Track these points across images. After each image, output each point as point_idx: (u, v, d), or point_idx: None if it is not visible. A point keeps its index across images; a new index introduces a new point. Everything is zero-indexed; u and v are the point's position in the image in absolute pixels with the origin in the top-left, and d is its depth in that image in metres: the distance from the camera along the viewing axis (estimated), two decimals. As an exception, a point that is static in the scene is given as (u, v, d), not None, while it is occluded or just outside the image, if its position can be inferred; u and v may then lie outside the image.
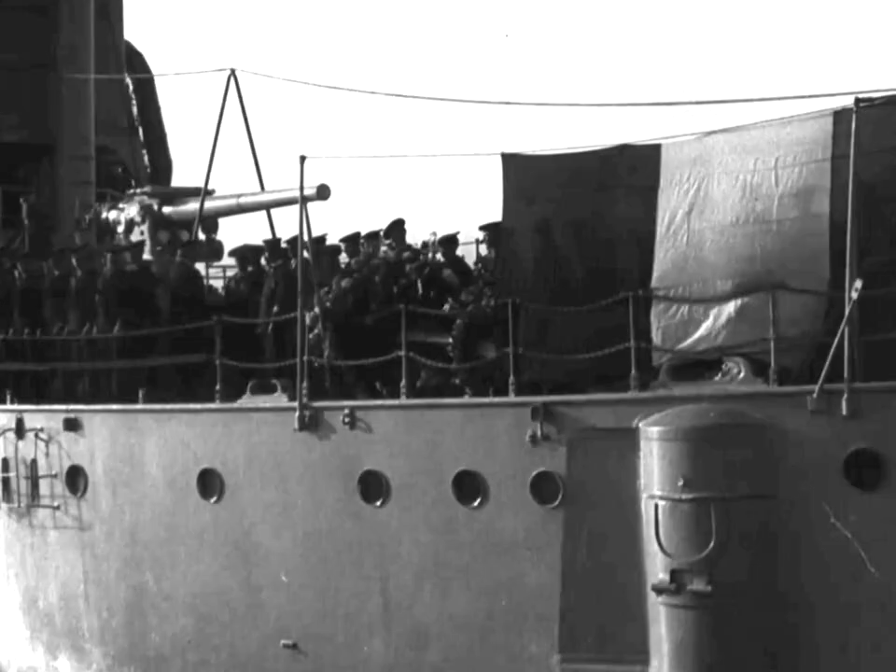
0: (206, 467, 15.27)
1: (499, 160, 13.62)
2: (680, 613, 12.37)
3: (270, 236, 19.53)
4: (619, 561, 12.82)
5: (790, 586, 12.19)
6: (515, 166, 13.61)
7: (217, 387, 15.38)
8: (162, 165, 27.94)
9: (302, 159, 14.63)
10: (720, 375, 12.78)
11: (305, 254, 15.49)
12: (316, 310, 14.61)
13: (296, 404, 14.45)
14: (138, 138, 27.65)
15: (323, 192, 18.16)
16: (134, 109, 28.20)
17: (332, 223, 19.04)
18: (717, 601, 12.20)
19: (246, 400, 15.11)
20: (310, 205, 19.28)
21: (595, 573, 13.01)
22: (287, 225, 20.51)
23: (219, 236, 21.65)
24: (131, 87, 28.47)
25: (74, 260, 18.12)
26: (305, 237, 15.41)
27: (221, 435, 15.18)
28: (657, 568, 12.46)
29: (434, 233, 15.65)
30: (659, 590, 12.42)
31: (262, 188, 20.43)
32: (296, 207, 19.43)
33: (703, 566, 12.21)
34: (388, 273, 15.01)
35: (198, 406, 15.46)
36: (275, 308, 15.61)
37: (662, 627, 12.50)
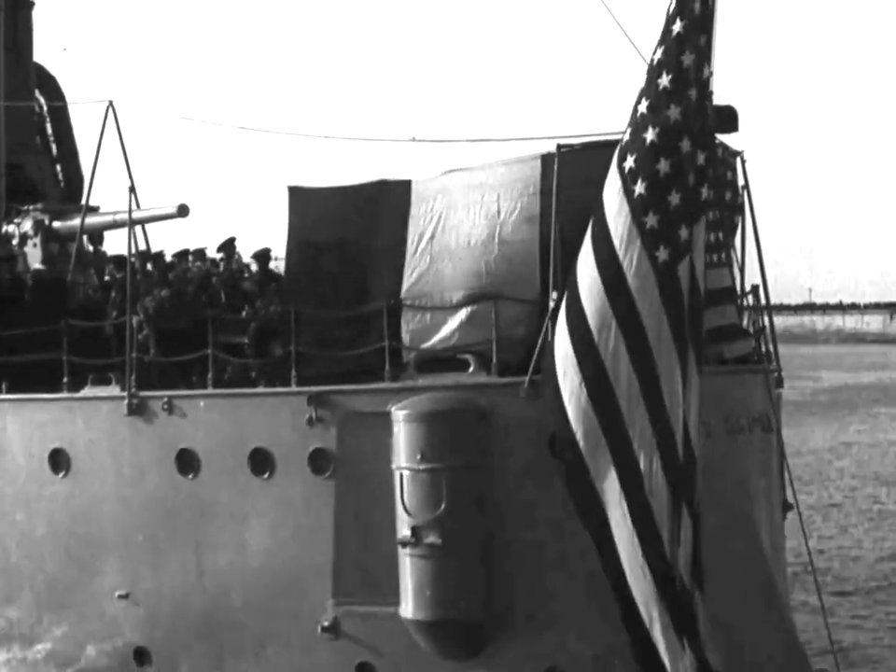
0: (56, 446, 17.43)
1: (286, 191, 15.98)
2: (419, 562, 14.55)
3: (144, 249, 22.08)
4: (378, 520, 14.89)
5: (504, 539, 14.46)
6: (299, 197, 15.91)
7: (65, 379, 17.51)
8: (74, 181, 30.14)
9: (131, 189, 17.18)
10: (472, 369, 15.08)
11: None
12: (141, 314, 16.95)
13: (125, 394, 16.72)
14: (48, 156, 29.94)
15: (183, 211, 20.64)
16: (49, 127, 30.53)
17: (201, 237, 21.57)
18: (446, 551, 14.42)
19: (87, 391, 17.36)
20: (172, 222, 21.97)
21: (360, 531, 15.18)
22: (159, 237, 23.28)
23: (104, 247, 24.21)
24: (45, 108, 30.77)
25: None
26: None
27: (67, 419, 17.38)
28: (403, 526, 14.60)
29: (238, 253, 18.27)
30: (403, 543, 14.58)
31: (138, 206, 22.88)
32: (165, 222, 22.20)
33: (436, 523, 14.39)
34: (199, 284, 17.49)
35: (49, 395, 17.66)
36: (114, 313, 17.84)
37: (407, 574, 14.69)
